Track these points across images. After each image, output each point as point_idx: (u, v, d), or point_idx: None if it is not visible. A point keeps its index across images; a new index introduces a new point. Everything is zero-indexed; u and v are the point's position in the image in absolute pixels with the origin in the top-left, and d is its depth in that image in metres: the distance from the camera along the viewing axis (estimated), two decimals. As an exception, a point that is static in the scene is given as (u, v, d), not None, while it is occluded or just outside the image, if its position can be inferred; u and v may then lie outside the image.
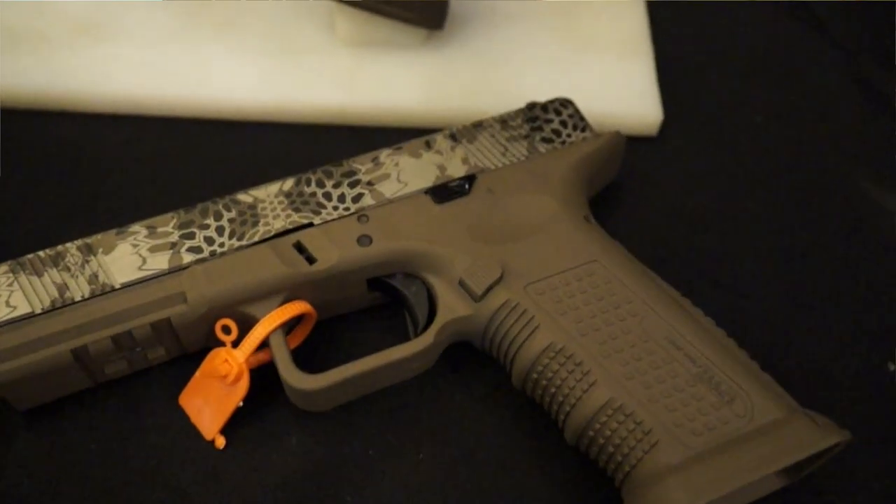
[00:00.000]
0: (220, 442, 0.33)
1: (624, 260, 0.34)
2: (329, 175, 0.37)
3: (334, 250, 0.34)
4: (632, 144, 0.43)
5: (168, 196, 0.42)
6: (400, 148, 0.38)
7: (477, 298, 0.33)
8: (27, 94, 0.44)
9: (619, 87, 0.45)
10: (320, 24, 0.47)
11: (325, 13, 0.47)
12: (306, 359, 0.35)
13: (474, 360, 0.36)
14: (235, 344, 0.33)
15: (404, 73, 0.45)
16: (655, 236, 0.41)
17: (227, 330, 0.33)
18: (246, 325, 0.33)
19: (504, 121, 0.39)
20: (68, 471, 0.33)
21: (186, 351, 0.35)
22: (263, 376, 0.34)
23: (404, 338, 0.35)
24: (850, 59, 0.50)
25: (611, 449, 0.30)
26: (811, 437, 0.28)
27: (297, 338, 0.35)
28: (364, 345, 0.36)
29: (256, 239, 0.34)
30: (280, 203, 0.36)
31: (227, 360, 0.33)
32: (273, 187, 0.36)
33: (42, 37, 0.46)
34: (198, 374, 0.34)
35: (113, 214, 0.41)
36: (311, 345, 0.36)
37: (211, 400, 0.33)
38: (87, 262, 0.33)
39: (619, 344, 0.31)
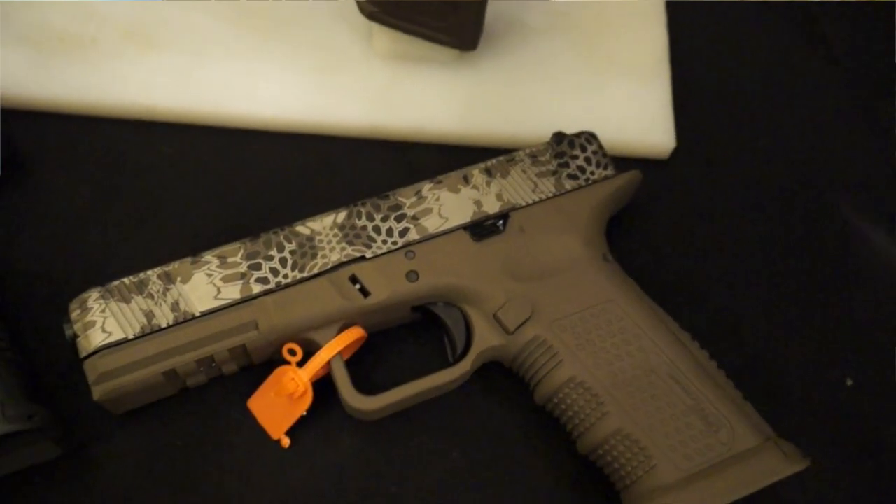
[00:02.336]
0: (286, 442, 0.40)
1: (636, 299, 0.40)
2: (377, 208, 0.41)
3: (385, 284, 0.39)
4: (642, 166, 0.45)
5: (210, 200, 0.46)
6: (440, 182, 0.42)
7: (509, 332, 0.39)
8: (70, 100, 0.47)
9: (636, 110, 0.49)
10: (358, 36, 0.50)
11: (364, 23, 0.49)
12: (354, 368, 0.41)
13: (499, 371, 0.42)
14: (300, 363, 0.39)
15: (437, 90, 0.49)
16: (656, 257, 0.46)
17: (292, 352, 0.39)
18: (308, 348, 0.39)
19: (534, 155, 0.43)
20: (157, 465, 0.39)
21: (254, 364, 0.40)
22: (322, 386, 0.40)
23: (439, 352, 0.41)
24: (858, 91, 0.53)
25: (616, 466, 0.37)
26: (778, 465, 0.35)
27: (349, 352, 0.41)
28: (405, 356, 0.42)
29: (316, 271, 0.39)
30: (335, 236, 0.40)
31: (293, 379, 0.39)
32: (328, 220, 0.41)
33: (90, 42, 0.48)
34: (266, 384, 0.40)
35: (157, 224, 0.45)
36: (359, 355, 0.42)
37: (277, 407, 0.40)
38: (168, 290, 0.38)
39: (628, 377, 0.38)
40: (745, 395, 0.38)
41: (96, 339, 0.37)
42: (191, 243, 0.43)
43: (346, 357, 0.40)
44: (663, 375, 0.38)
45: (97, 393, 0.37)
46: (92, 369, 0.37)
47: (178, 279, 0.39)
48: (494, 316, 0.39)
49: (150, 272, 0.39)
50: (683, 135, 0.50)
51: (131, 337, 0.37)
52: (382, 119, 0.48)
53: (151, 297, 0.38)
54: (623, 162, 0.47)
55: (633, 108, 0.49)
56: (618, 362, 0.38)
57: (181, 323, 0.38)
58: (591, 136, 0.44)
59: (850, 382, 0.43)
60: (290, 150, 0.49)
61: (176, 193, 0.47)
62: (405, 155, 0.49)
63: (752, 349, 0.44)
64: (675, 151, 0.50)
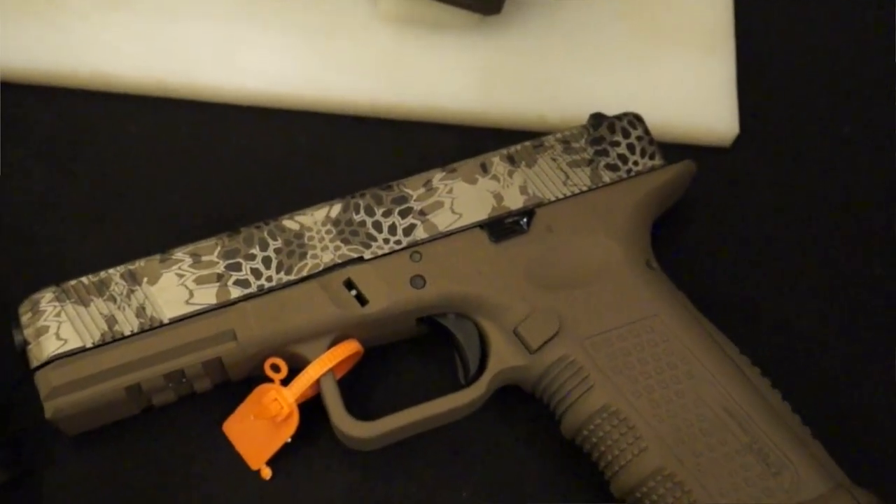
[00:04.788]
0: (267, 473, 0.42)
1: (684, 314, 0.41)
2: (379, 201, 0.43)
3: (386, 291, 0.41)
4: (698, 155, 0.47)
5: (184, 187, 0.48)
6: (454, 171, 0.44)
7: (532, 351, 0.41)
8: (22, 68, 0.49)
9: (691, 88, 0.50)
10: (360, -4, 0.52)
11: (366, -19, 0.51)
12: (348, 388, 0.42)
13: (519, 396, 0.42)
14: (284, 382, 0.41)
15: (453, 61, 0.51)
16: (711, 265, 0.48)
17: (275, 368, 0.41)
18: (294, 364, 0.41)
19: (566, 141, 0.45)
20: (116, 496, 0.41)
21: (231, 381, 0.42)
22: (310, 408, 0.41)
23: (449, 371, 0.43)
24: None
25: (656, 512, 0.39)
26: (850, 517, 0.37)
27: (342, 370, 0.42)
28: (408, 376, 0.44)
29: (305, 273, 0.41)
30: (328, 232, 0.42)
31: (276, 399, 0.40)
32: (320, 213, 0.43)
33: (45, 1, 0.50)
34: (244, 406, 0.42)
35: (122, 215, 0.47)
36: (354, 374, 0.43)
37: (258, 432, 0.42)
38: (133, 292, 0.41)
39: (672, 408, 0.39)
40: (815, 432, 0.39)
41: (50, 347, 0.39)
42: (160, 237, 0.44)
43: (338, 375, 0.42)
44: (715, 406, 0.39)
45: (49, 410, 0.39)
46: (44, 382, 0.39)
47: (145, 280, 0.41)
48: (515, 331, 0.41)
49: (112, 271, 0.41)
50: (748, 119, 0.51)
51: (90, 345, 0.39)
52: (386, 94, 0.50)
53: (114, 299, 0.40)
54: (674, 150, 0.47)
55: (688, 86, 0.50)
56: (661, 389, 0.39)
57: (147, 331, 0.40)
58: (635, 119, 0.46)
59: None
60: (277, 130, 0.50)
61: (144, 179, 0.48)
62: (413, 137, 0.50)
63: (823, 377, 0.45)
64: (738, 139, 0.51)
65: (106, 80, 0.49)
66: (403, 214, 0.42)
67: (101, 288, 0.40)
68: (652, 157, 0.45)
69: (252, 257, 0.41)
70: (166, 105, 0.50)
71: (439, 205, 0.43)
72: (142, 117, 0.50)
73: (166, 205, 0.48)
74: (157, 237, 0.45)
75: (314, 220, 0.42)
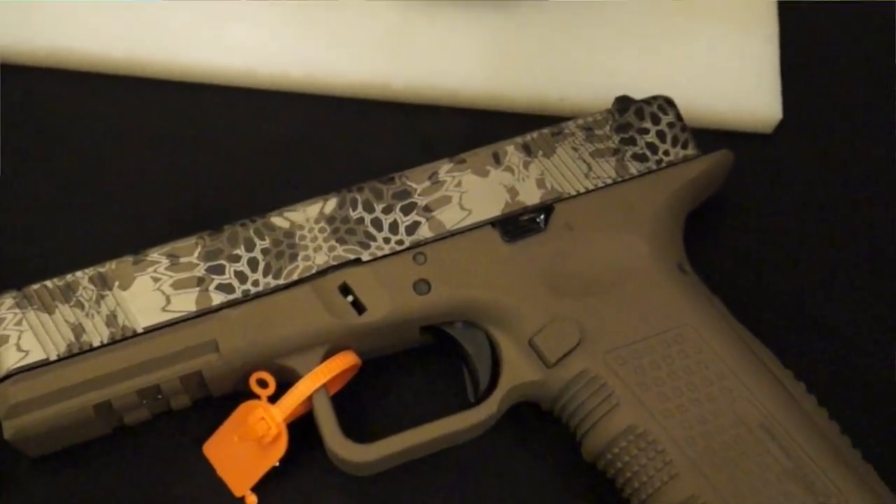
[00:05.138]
0: (252, 500, 0.40)
1: (720, 323, 0.40)
2: (379, 195, 0.42)
3: (386, 297, 0.40)
4: (736, 143, 0.46)
5: (160, 179, 0.47)
6: (463, 162, 0.43)
7: (549, 365, 0.39)
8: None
9: (729, 69, 0.50)
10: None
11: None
12: (343, 405, 0.41)
13: (535, 415, 0.42)
14: (272, 398, 0.39)
15: (463, 37, 0.50)
16: (749, 267, 0.47)
17: (262, 383, 0.40)
18: (284, 378, 0.40)
19: (589, 128, 0.44)
20: (83, 525, 0.40)
21: (213, 397, 0.41)
22: (300, 428, 0.40)
23: (456, 387, 0.42)
24: None
25: (689, 545, 0.38)
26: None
27: (337, 385, 0.41)
28: (410, 392, 0.43)
29: (295, 277, 0.40)
30: (322, 231, 0.41)
31: (263, 419, 0.39)
32: (312, 210, 0.41)
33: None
34: (227, 425, 0.41)
35: (92, 209, 0.46)
36: (350, 389, 0.42)
37: (242, 455, 0.40)
38: (103, 297, 0.39)
39: (706, 428, 0.38)
40: (866, 455, 0.38)
41: (10, 359, 0.38)
42: (134, 236, 0.44)
43: (333, 391, 0.41)
44: (755, 427, 0.38)
45: (9, 430, 0.38)
46: (3, 399, 0.38)
47: (116, 284, 0.39)
48: (531, 342, 0.40)
49: (80, 273, 0.40)
50: (792, 103, 0.50)
51: (54, 358, 0.38)
52: (388, 74, 0.49)
53: (81, 306, 0.39)
54: (709, 138, 0.47)
55: (726, 67, 0.49)
56: (693, 408, 0.38)
57: (119, 341, 0.39)
58: (666, 103, 0.45)
59: None
60: (266, 115, 0.49)
61: (115, 169, 0.47)
62: (417, 123, 0.49)
63: (877, 393, 0.44)
64: (781, 125, 0.50)
65: (69, 56, 0.49)
66: (406, 211, 0.41)
67: (68, 293, 0.39)
68: (685, 146, 0.44)
69: (236, 259, 0.40)
70: (143, 86, 0.49)
71: (446, 200, 0.42)
72: (113, 99, 0.49)
73: (141, 199, 0.47)
74: (130, 235, 0.44)
75: (306, 217, 0.41)
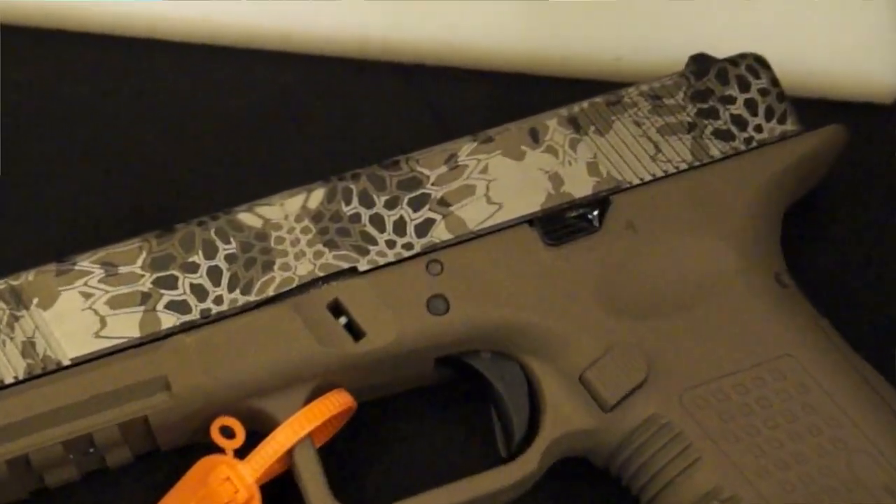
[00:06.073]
0: (214, 587, 0.38)
1: (830, 353, 0.38)
2: (380, 185, 0.40)
3: (391, 319, 0.38)
4: (849, 116, 0.45)
5: (93, 158, 0.46)
6: (490, 140, 0.41)
7: (607, 408, 0.37)
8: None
9: (843, 24, 0.49)
10: None
11: None
12: (334, 460, 0.39)
13: (588, 472, 0.40)
14: (240, 453, 0.37)
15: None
16: (870, 275, 0.46)
17: (227, 432, 0.37)
18: (256, 425, 0.38)
19: (656, 97, 0.42)
20: None
21: (161, 450, 0.39)
22: (278, 490, 0.38)
23: (483, 436, 0.40)
24: None
25: None
26: None
27: (325, 434, 0.39)
28: (421, 440, 0.41)
29: (271, 292, 0.38)
30: (305, 232, 0.39)
31: (229, 479, 0.37)
32: (292, 203, 0.40)
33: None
34: (180, 487, 0.38)
35: (6, 189, 0.45)
36: (343, 439, 0.40)
37: (201, 526, 0.38)
38: (17, 319, 0.37)
39: (815, 491, 0.36)
40: None
41: None
42: (58, 236, 0.43)
43: (320, 443, 0.39)
44: (876, 489, 0.36)
45: None
46: None
47: (35, 301, 0.38)
48: (581, 378, 0.38)
49: (-16, 288, 0.37)
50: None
51: (-49, 401, 0.35)
52: (393, 28, 0.48)
53: (-11, 330, 0.36)
54: (813, 109, 0.46)
55: (836, 19, 0.49)
56: (797, 466, 0.36)
57: (38, 376, 0.37)
58: (757, 64, 0.43)
59: None
60: (230, 79, 0.48)
61: (33, 147, 0.46)
62: (427, 90, 0.48)
63: None
64: (901, 93, 0.47)
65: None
66: (416, 205, 0.40)
67: (-30, 314, 0.36)
68: (782, 120, 0.42)
69: (193, 268, 0.39)
70: (75, 40, 0.48)
71: (469, 191, 0.40)
72: (37, 57, 0.48)
73: (67, 186, 0.45)
74: (51, 235, 0.43)
75: (285, 212, 0.40)
